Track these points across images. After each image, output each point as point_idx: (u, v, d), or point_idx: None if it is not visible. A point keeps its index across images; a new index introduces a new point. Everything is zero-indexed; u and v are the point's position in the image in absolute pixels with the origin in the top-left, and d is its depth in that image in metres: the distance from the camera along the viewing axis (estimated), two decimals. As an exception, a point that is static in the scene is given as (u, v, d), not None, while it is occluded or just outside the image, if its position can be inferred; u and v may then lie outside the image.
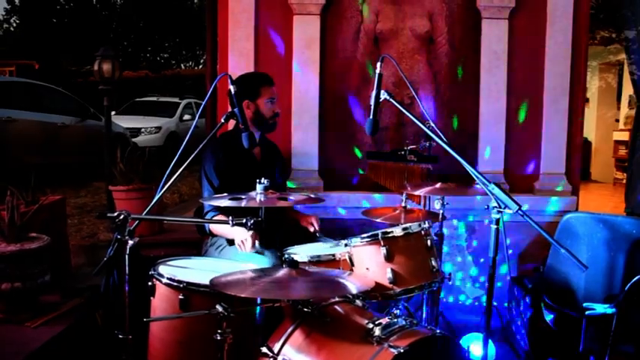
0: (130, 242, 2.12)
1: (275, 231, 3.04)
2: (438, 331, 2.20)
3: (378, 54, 3.87)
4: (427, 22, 3.93)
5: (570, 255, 1.94)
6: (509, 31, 3.90)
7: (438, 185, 2.95)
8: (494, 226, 2.13)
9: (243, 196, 2.29)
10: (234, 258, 2.76)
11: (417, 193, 2.94)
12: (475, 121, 3.96)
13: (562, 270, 2.87)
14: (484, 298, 3.93)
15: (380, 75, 2.40)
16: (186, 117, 13.21)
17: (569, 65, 3.90)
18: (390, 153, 3.62)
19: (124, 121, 11.04)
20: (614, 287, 2.61)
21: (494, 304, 3.91)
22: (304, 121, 3.88)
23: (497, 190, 2.08)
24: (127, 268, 2.13)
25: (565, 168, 3.97)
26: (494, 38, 3.88)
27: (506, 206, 2.07)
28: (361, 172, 3.99)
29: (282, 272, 2.15)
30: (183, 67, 22.01)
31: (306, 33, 3.86)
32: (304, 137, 3.88)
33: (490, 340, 3.23)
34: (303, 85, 3.88)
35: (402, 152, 3.44)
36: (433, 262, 2.49)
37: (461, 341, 3.22)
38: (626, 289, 1.84)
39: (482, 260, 3.94)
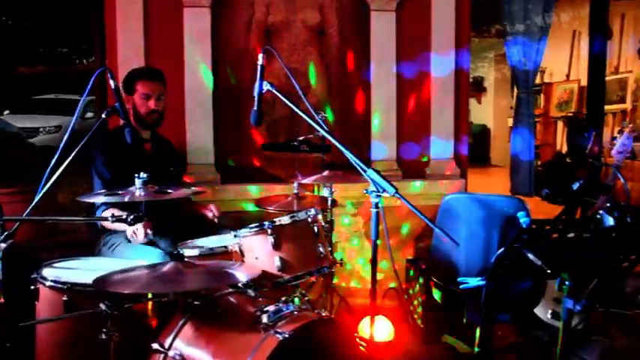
0: (2, 245, 2.03)
1: (170, 224, 3.01)
2: (324, 314, 2.27)
3: (270, 46, 3.90)
4: (318, 14, 4.00)
5: (443, 233, 2.06)
6: (397, 23, 4.04)
7: (325, 173, 3.02)
8: (374, 210, 2.21)
9: (120, 192, 2.24)
10: (128, 256, 2.71)
11: (305, 181, 3.00)
12: (367, 111, 4.07)
13: (445, 249, 3.02)
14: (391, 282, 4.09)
15: (262, 67, 2.43)
16: (89, 115, 12.67)
17: (453, 57, 4.10)
18: (283, 144, 3.65)
19: (20, 121, 10.42)
20: (490, 262, 2.79)
21: (394, 285, 4.09)
22: (198, 115, 3.83)
23: (374, 175, 2.16)
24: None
25: (453, 153, 4.18)
26: (382, 30, 4.01)
27: (384, 190, 2.15)
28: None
29: (169, 266, 2.15)
30: (85, 62, 21.01)
31: (197, 25, 3.82)
32: (199, 131, 3.83)
33: (389, 321, 3.40)
34: (196, 79, 3.83)
35: (296, 143, 3.48)
36: (321, 249, 2.57)
37: (361, 323, 3.33)
38: (492, 261, 1.98)
39: (380, 244, 4.07)
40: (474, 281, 2.32)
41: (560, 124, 10.20)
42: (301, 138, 3.53)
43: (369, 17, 4.01)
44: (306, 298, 3.24)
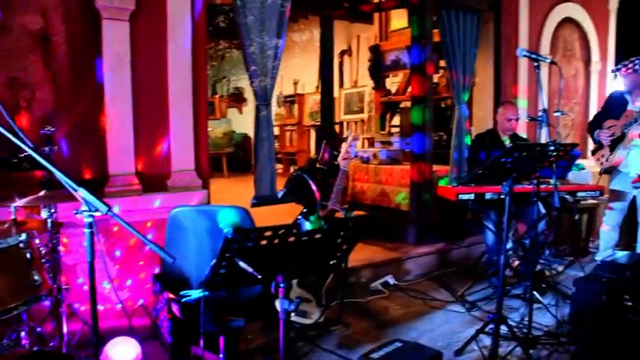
0: None
1: None
2: (35, 349, 2.12)
3: (-17, 52, 3.51)
4: (40, 19, 3.68)
5: (155, 248, 2.05)
6: (132, 33, 3.92)
7: (42, 193, 2.81)
8: (87, 230, 2.12)
9: None
10: None
11: (19, 203, 2.74)
12: (103, 124, 3.87)
13: (177, 262, 3.02)
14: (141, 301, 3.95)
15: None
16: None
17: (190, 68, 4.13)
18: (1, 161, 3.29)
19: None
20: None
21: (141, 302, 3.98)
22: None
23: (86, 194, 2.07)
24: None
25: (194, 164, 4.20)
26: (116, 40, 3.85)
27: (97, 209, 2.08)
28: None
29: None
30: None
31: None
32: None
33: (134, 340, 3.30)
34: None
35: (15, 160, 3.16)
36: (36, 276, 2.38)
37: (106, 347, 3.18)
38: (207, 273, 2.03)
39: (123, 263, 3.95)
40: (196, 293, 2.36)
41: (312, 132, 11.04)
42: (23, 154, 3.23)
43: (101, 26, 3.83)
44: (37, 331, 2.99)
